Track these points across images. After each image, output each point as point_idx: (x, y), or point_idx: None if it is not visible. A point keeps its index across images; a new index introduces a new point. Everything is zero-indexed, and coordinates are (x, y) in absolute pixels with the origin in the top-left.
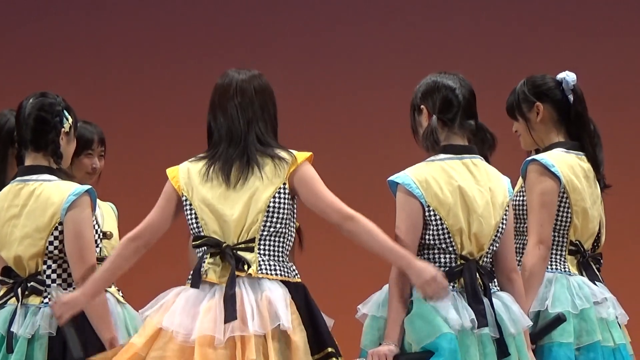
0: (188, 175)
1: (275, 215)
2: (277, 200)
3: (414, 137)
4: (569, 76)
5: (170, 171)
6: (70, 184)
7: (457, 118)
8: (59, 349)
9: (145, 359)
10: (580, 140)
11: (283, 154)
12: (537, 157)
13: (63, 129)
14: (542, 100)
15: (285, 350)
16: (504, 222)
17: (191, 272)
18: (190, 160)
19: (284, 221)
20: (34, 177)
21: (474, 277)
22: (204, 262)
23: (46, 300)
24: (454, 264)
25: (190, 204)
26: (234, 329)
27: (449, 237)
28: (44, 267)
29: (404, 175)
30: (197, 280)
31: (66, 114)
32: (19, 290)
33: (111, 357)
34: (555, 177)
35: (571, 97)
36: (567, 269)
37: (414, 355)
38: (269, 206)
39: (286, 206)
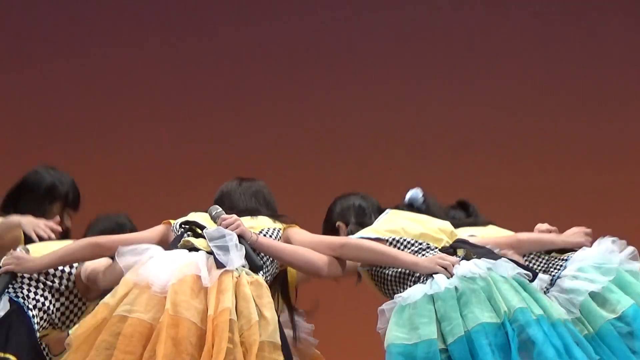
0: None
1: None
2: (270, 232)
3: None
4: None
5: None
6: None
7: (372, 217)
8: (2, 335)
9: (113, 314)
10: None
11: (281, 218)
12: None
13: None
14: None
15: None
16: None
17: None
18: None
19: None
20: None
21: (469, 243)
22: (185, 236)
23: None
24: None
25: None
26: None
27: (422, 242)
28: None
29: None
30: (175, 244)
31: None
32: None
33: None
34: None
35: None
36: (558, 265)
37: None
38: (262, 229)
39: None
